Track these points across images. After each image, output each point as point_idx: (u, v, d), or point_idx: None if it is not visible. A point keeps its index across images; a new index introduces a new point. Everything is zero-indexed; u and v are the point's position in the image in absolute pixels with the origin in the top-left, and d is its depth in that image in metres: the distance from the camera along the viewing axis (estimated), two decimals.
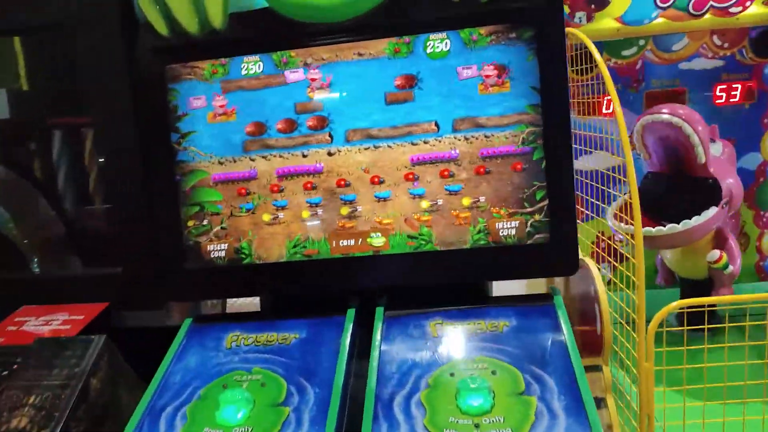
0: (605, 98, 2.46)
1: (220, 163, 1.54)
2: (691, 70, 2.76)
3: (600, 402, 1.47)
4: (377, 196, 1.49)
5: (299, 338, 1.47)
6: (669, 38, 2.56)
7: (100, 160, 1.96)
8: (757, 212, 2.98)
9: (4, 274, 2.00)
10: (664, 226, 1.99)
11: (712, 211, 2.06)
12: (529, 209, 1.45)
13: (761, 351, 1.62)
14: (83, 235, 1.98)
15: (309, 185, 1.51)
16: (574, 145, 1.48)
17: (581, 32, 1.79)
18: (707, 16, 2.31)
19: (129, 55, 1.56)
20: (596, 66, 2.32)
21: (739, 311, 1.68)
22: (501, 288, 1.64)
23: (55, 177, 2.02)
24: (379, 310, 1.49)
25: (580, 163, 2.17)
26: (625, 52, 2.54)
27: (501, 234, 1.47)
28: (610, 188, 2.13)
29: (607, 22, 2.33)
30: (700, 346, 1.53)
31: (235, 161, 1.53)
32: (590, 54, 2.22)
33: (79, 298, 1.79)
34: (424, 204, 1.48)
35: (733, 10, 2.30)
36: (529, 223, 1.45)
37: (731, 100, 2.77)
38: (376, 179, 1.48)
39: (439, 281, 1.51)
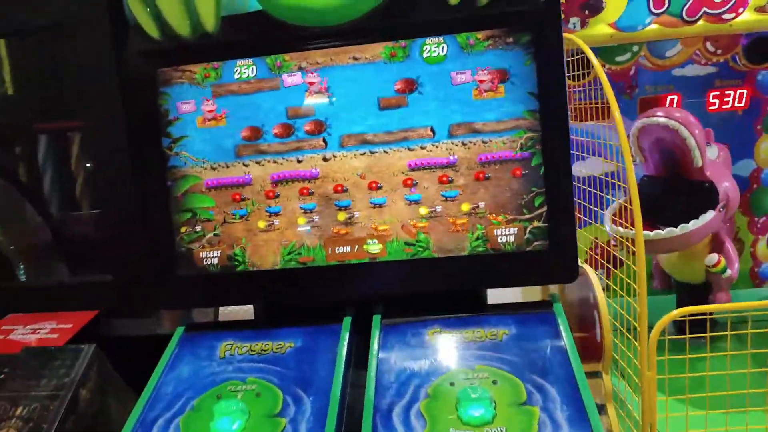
0: (599, 104, 2.47)
1: (213, 169, 1.51)
2: (684, 77, 2.78)
3: (600, 409, 1.46)
4: (374, 202, 1.48)
5: (294, 347, 1.44)
6: (663, 44, 2.58)
7: (89, 164, 1.93)
8: (751, 218, 3.00)
9: None
10: (662, 229, 1.98)
11: (710, 214, 2.07)
12: (527, 216, 1.44)
13: (761, 359, 1.62)
14: (71, 242, 1.95)
15: (305, 191, 1.49)
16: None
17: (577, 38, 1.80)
18: (700, 22, 2.32)
19: (119, 58, 1.53)
20: (591, 72, 2.33)
21: (734, 318, 1.67)
22: (495, 294, 1.62)
23: (42, 182, 1.99)
24: (376, 318, 1.47)
25: (575, 169, 2.17)
26: (619, 58, 2.56)
27: (499, 241, 1.45)
28: (605, 193, 2.14)
29: (601, 28, 2.34)
30: (702, 354, 1.52)
31: (228, 167, 1.51)
32: (585, 60, 2.23)
33: (67, 305, 1.75)
34: (422, 210, 1.47)
35: (726, 16, 2.32)
36: (527, 230, 1.44)
37: (724, 106, 2.79)
38: (374, 185, 1.46)
39: (437, 289, 1.49)
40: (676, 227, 2.00)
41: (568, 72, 2.11)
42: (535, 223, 1.44)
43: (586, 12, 2.27)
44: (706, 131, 2.15)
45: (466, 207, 1.45)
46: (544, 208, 1.43)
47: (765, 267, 3.03)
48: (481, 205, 1.44)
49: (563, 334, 1.37)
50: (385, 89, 1.45)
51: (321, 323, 1.49)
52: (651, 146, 2.17)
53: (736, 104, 2.77)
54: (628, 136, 2.18)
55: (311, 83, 1.47)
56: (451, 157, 1.44)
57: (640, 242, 1.49)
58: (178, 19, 1.43)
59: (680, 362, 1.57)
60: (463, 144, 1.44)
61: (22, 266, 2.01)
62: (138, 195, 1.54)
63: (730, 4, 2.28)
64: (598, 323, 1.55)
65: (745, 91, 2.74)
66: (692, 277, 2.37)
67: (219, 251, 1.52)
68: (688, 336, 1.53)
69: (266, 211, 1.50)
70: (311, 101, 1.47)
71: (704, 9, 2.31)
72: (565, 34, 1.45)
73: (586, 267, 1.69)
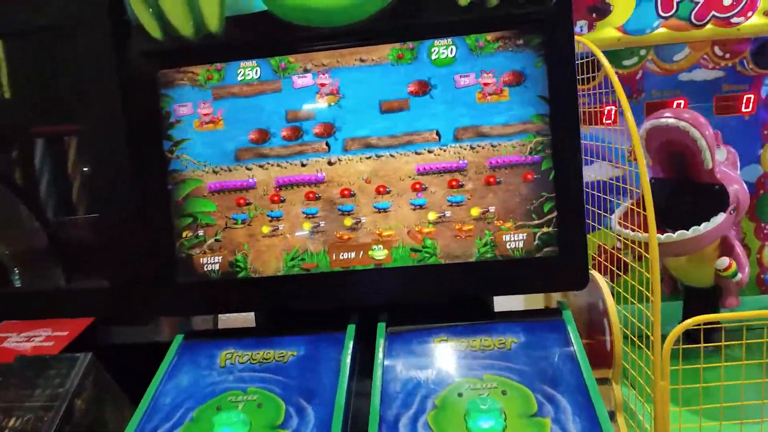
0: (606, 108, 2.46)
1: (215, 172, 1.49)
2: (692, 81, 2.77)
3: (610, 416, 1.43)
4: (378, 206, 1.45)
5: (297, 356, 1.42)
6: (671, 48, 2.57)
7: (87, 167, 1.90)
8: (758, 224, 2.99)
9: None
10: (673, 233, 1.96)
11: (721, 217, 2.05)
12: (536, 221, 1.42)
13: None
14: (68, 246, 1.92)
15: (312, 195, 1.47)
16: None
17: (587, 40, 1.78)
18: (709, 26, 2.32)
19: (119, 59, 1.51)
20: (597, 75, 2.32)
21: (738, 326, 1.65)
22: (498, 301, 1.60)
23: (39, 185, 1.96)
24: (381, 326, 1.45)
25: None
26: (626, 62, 2.55)
27: (508, 247, 1.43)
28: (610, 197, 2.12)
29: (608, 32, 2.33)
30: (717, 364, 1.50)
31: (230, 170, 1.49)
32: (592, 63, 2.22)
33: (63, 312, 1.72)
34: (431, 215, 1.44)
35: (734, 20, 2.31)
36: (537, 236, 1.42)
37: (731, 111, 2.78)
38: (383, 189, 1.44)
39: (444, 296, 1.48)
40: (684, 230, 1.97)
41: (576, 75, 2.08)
42: (545, 229, 1.42)
43: (594, 15, 2.27)
44: (714, 133, 2.14)
45: (476, 212, 1.43)
46: (554, 214, 1.41)
47: None
48: (492, 209, 1.42)
49: (573, 342, 1.35)
50: (393, 92, 1.44)
51: (324, 331, 1.47)
52: (659, 148, 2.15)
53: (742, 109, 2.76)
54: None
55: (322, 84, 1.45)
56: (461, 161, 1.42)
57: (654, 248, 1.47)
58: (181, 19, 1.42)
59: (687, 371, 1.54)
60: (472, 148, 1.42)
61: (17, 271, 1.98)
62: (137, 199, 1.52)
63: (739, 8, 2.27)
64: (608, 331, 1.53)
65: (752, 96, 2.73)
66: (701, 281, 2.35)
67: (220, 257, 1.50)
68: (702, 345, 1.50)
69: (269, 215, 1.48)
70: (321, 103, 1.45)
71: (713, 13, 2.30)
72: (576, 36, 1.43)
73: (595, 273, 1.67)
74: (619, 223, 2.03)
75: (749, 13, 2.30)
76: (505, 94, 1.40)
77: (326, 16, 1.39)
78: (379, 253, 1.47)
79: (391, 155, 1.45)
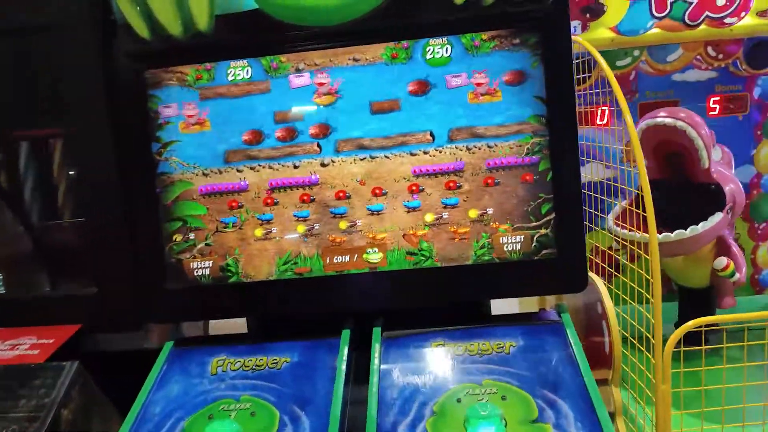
0: (600, 108, 2.46)
1: (205, 175, 1.47)
2: (685, 82, 2.78)
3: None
4: (374, 209, 1.43)
5: (291, 362, 1.39)
6: (664, 49, 2.58)
7: (73, 170, 1.86)
8: (752, 225, 3.00)
9: None
10: (671, 233, 1.96)
11: (718, 216, 2.05)
12: (534, 223, 1.40)
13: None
14: (54, 252, 1.87)
15: (306, 198, 1.44)
16: None
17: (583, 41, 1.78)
18: (702, 26, 2.33)
19: (106, 59, 1.48)
20: (590, 76, 2.32)
21: (738, 328, 1.64)
22: (492, 303, 1.59)
23: (23, 190, 1.92)
24: (376, 331, 1.43)
25: None
26: (620, 63, 2.55)
27: (505, 249, 1.42)
28: (605, 198, 2.12)
29: (601, 32, 2.33)
30: (719, 366, 1.49)
31: (221, 172, 1.46)
32: (586, 63, 2.21)
33: (48, 320, 1.68)
34: (428, 217, 1.43)
35: (728, 20, 2.32)
36: (534, 238, 1.41)
37: (724, 112, 2.79)
38: (379, 191, 1.42)
39: (441, 300, 1.46)
40: (681, 230, 1.97)
41: None
42: (543, 231, 1.40)
43: (587, 15, 2.27)
44: (710, 132, 2.14)
45: (473, 213, 1.41)
46: (552, 215, 1.40)
47: (765, 274, 3.03)
48: (489, 211, 1.41)
49: (573, 345, 1.33)
50: (387, 92, 1.42)
51: (318, 337, 1.44)
52: (655, 148, 2.15)
53: (736, 109, 2.78)
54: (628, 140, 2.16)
55: (320, 84, 1.42)
56: (458, 162, 1.40)
57: (655, 249, 1.47)
58: (169, 17, 1.39)
59: (685, 373, 1.53)
60: (468, 149, 1.41)
61: (0, 277, 1.93)
62: (125, 202, 1.49)
63: (732, 8, 2.28)
64: (606, 333, 1.51)
65: (745, 96, 2.75)
66: (697, 281, 2.35)
67: (211, 261, 1.47)
68: (703, 347, 1.49)
69: (261, 218, 1.45)
70: (317, 104, 1.43)
71: (707, 13, 2.31)
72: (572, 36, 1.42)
73: (591, 274, 1.66)
74: (616, 224, 2.02)
75: (742, 14, 2.31)
76: (499, 95, 1.39)
77: (319, 14, 1.37)
78: (374, 257, 1.44)
79: (386, 156, 1.43)
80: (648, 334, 1.51)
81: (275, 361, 1.40)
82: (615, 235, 1.94)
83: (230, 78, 1.45)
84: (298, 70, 1.43)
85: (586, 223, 2.16)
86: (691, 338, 1.62)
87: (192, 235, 1.47)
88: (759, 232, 3.01)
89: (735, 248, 2.29)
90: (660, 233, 1.86)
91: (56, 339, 1.59)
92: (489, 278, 1.42)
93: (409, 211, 1.43)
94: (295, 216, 1.45)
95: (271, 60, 1.44)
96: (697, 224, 1.98)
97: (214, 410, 1.28)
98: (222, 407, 1.29)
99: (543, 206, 1.40)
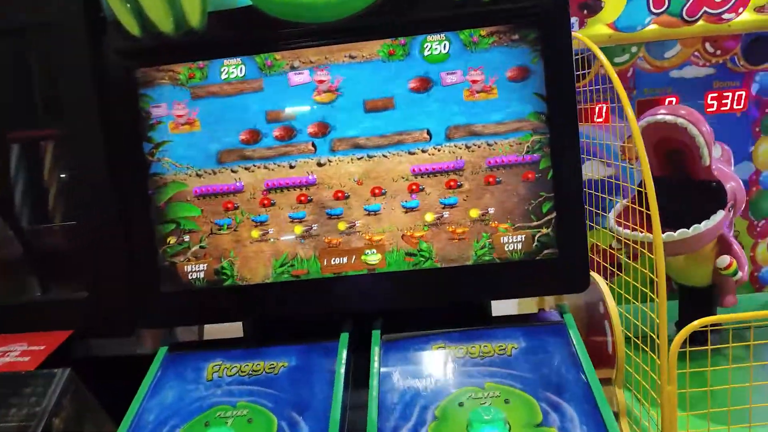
0: (598, 105, 2.44)
1: (198, 176, 1.44)
2: (682, 78, 2.77)
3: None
4: (372, 209, 1.41)
5: (288, 367, 1.37)
6: (662, 45, 2.56)
7: (64, 172, 1.83)
8: (751, 222, 2.99)
9: None
10: (673, 232, 1.94)
11: (720, 215, 2.03)
12: (535, 222, 1.39)
13: None
14: (45, 256, 1.84)
15: (304, 198, 1.42)
16: None
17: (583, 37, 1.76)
18: (700, 22, 2.31)
19: (96, 58, 1.46)
20: (589, 73, 2.30)
21: (737, 327, 1.62)
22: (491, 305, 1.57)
23: (13, 193, 1.88)
24: (376, 334, 1.41)
25: None
26: (618, 59, 2.54)
27: (506, 249, 1.40)
28: (604, 195, 2.10)
29: (599, 28, 2.31)
30: (724, 366, 1.47)
31: (215, 173, 1.44)
32: (584, 60, 2.20)
33: (39, 325, 1.65)
34: (425, 217, 1.40)
35: (726, 16, 2.31)
36: (536, 238, 1.39)
37: (722, 108, 2.79)
38: (378, 191, 1.40)
39: (441, 301, 1.44)
40: (684, 229, 1.96)
41: None
42: (544, 230, 1.38)
43: (585, 12, 2.25)
44: (710, 130, 2.13)
45: (474, 213, 1.39)
46: (553, 214, 1.38)
47: (765, 271, 3.01)
48: (491, 211, 1.39)
49: (576, 346, 1.32)
50: (383, 90, 1.39)
51: (316, 340, 1.43)
52: (654, 146, 2.14)
53: (734, 106, 2.77)
54: (628, 137, 2.15)
55: (320, 81, 1.40)
56: (459, 161, 1.38)
57: (660, 248, 1.45)
58: (160, 14, 1.36)
59: (686, 373, 1.51)
60: (467, 147, 1.39)
61: None
62: (117, 204, 1.47)
63: (730, 4, 2.27)
64: (609, 333, 1.50)
65: (743, 93, 2.74)
66: (698, 280, 2.34)
67: (205, 264, 1.45)
68: (709, 347, 1.48)
69: (256, 220, 1.43)
70: (317, 101, 1.41)
71: (705, 8, 2.30)
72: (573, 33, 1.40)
73: (593, 274, 1.64)
74: (617, 222, 2.00)
75: (740, 9, 2.30)
76: (495, 92, 1.37)
77: (314, 11, 1.34)
78: (373, 258, 1.42)
79: (384, 156, 1.41)
80: (652, 334, 1.49)
81: (272, 365, 1.38)
82: (617, 235, 1.92)
83: (224, 76, 1.43)
84: (293, 68, 1.41)
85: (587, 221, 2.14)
86: (693, 338, 1.60)
87: (186, 238, 1.44)
88: (758, 229, 2.99)
89: (736, 246, 2.28)
90: (664, 232, 1.84)
91: (47, 345, 1.57)
92: (490, 279, 1.40)
93: (407, 212, 1.41)
94: (293, 218, 1.42)
95: (265, 58, 1.42)
96: (699, 223, 1.97)
97: (210, 417, 1.26)
98: (218, 414, 1.26)
99: (544, 205, 1.38)
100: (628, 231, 1.83)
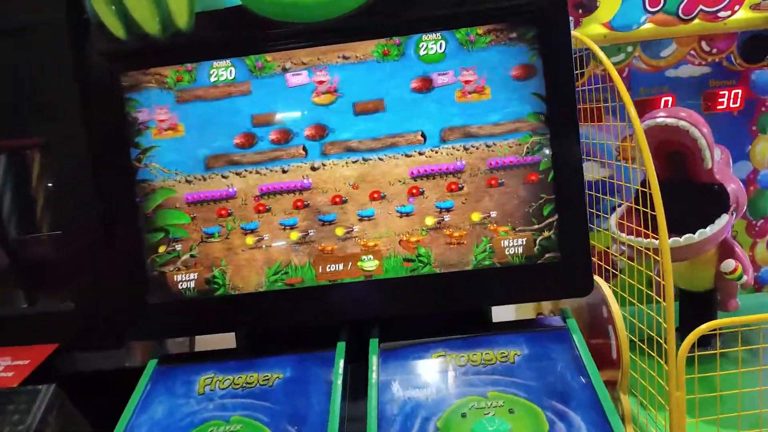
0: (595, 105, 2.43)
1: (188, 182, 1.40)
2: (678, 78, 2.77)
3: None
4: (368, 214, 1.38)
5: (283, 378, 1.34)
6: (657, 44, 2.56)
7: (48, 180, 1.79)
8: (749, 222, 2.99)
9: None
10: (679, 237, 1.93)
11: (725, 218, 2.02)
12: (536, 225, 1.36)
13: None
14: (29, 267, 1.80)
15: (300, 204, 1.39)
16: None
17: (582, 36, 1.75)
18: (696, 21, 2.31)
19: (80, 61, 1.43)
20: (585, 72, 2.28)
21: (737, 330, 1.60)
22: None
23: None
24: (373, 343, 1.38)
25: None
26: (613, 59, 2.52)
27: (507, 253, 1.37)
28: (602, 195, 2.08)
29: (594, 28, 2.30)
30: (734, 371, 1.45)
31: (205, 179, 1.40)
32: (580, 60, 2.18)
33: (23, 339, 1.61)
34: (424, 221, 1.38)
35: (722, 14, 2.31)
36: (537, 241, 1.36)
37: (719, 107, 2.79)
38: (377, 195, 1.37)
39: (440, 307, 1.41)
40: (690, 234, 1.94)
41: None
42: (545, 234, 1.36)
43: (580, 11, 2.24)
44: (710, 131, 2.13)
45: (476, 217, 1.37)
46: (555, 217, 1.36)
47: (765, 271, 3.02)
48: (493, 214, 1.36)
49: (581, 352, 1.30)
50: (379, 91, 1.37)
51: (312, 350, 1.40)
52: (654, 149, 2.12)
53: (730, 105, 2.77)
54: (627, 137, 2.13)
55: (320, 82, 1.37)
56: (458, 163, 1.36)
57: (666, 251, 1.43)
58: (146, 15, 1.33)
59: (692, 378, 1.49)
60: (465, 149, 1.36)
61: None
62: (103, 213, 1.44)
63: (726, 2, 2.27)
64: (613, 337, 1.47)
65: (739, 92, 2.74)
66: (700, 284, 2.32)
67: (196, 274, 1.41)
68: (718, 351, 1.46)
69: (247, 228, 1.39)
70: (316, 103, 1.38)
71: (701, 7, 2.30)
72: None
73: (595, 276, 1.61)
74: (620, 227, 1.98)
75: (736, 7, 2.30)
76: (488, 92, 1.34)
77: (305, 10, 1.32)
78: (369, 264, 1.39)
79: (380, 158, 1.38)
80: (659, 339, 1.46)
81: (266, 377, 1.35)
82: (620, 241, 1.90)
83: (213, 79, 1.40)
84: (285, 69, 1.38)
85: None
86: (700, 342, 1.58)
87: (179, 246, 1.41)
88: (756, 229, 2.99)
89: (739, 249, 2.27)
90: (670, 238, 1.83)
91: (32, 360, 1.53)
92: (490, 284, 1.38)
93: (405, 216, 1.38)
94: (284, 225, 1.39)
95: (256, 59, 1.39)
96: (705, 227, 1.96)
97: None
98: (211, 429, 1.23)
99: (545, 207, 1.36)
100: (632, 237, 1.81)
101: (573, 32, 1.59)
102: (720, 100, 2.72)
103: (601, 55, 1.59)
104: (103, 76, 1.41)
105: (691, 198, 2.02)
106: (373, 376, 1.29)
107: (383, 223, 1.39)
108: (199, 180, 1.40)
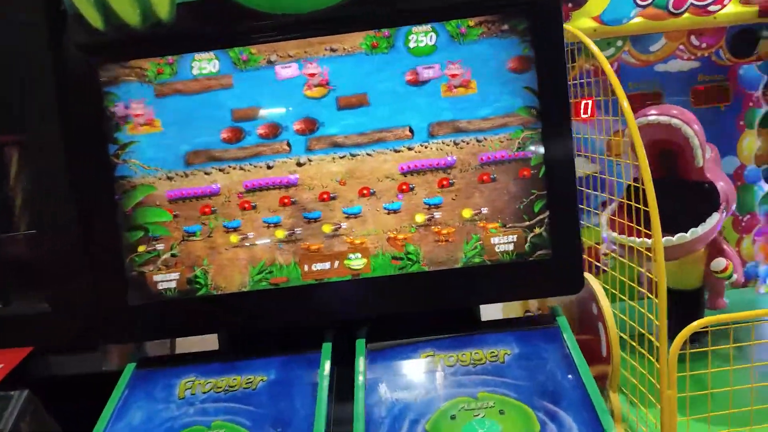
0: (583, 101, 2.43)
1: (169, 178, 1.37)
2: (667, 72, 2.79)
3: None
4: (354, 212, 1.36)
5: (267, 381, 1.33)
6: (647, 39, 2.57)
7: (22, 177, 1.75)
8: (735, 217, 3.03)
9: None
10: (672, 236, 1.94)
11: (716, 217, 2.05)
12: (527, 222, 1.35)
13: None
14: (2, 268, 1.76)
15: (287, 201, 1.37)
16: None
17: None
18: (686, 15, 2.32)
19: (57, 54, 1.40)
20: (574, 66, 2.29)
21: (725, 327, 1.61)
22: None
23: None
24: (360, 343, 1.37)
25: None
26: (603, 54, 2.52)
27: (497, 250, 1.36)
28: (591, 192, 2.09)
29: (584, 22, 2.30)
30: (725, 368, 1.46)
31: (186, 175, 1.37)
32: (571, 54, 2.18)
33: None
34: (413, 218, 1.36)
35: (711, 8, 2.33)
36: (528, 238, 1.35)
37: (708, 102, 2.81)
38: (367, 191, 1.35)
39: (429, 306, 1.40)
40: (683, 233, 1.96)
41: None
42: (536, 230, 1.35)
43: (570, 5, 2.24)
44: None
45: (468, 213, 1.36)
46: (546, 213, 1.35)
47: (750, 266, 3.06)
48: (485, 210, 1.35)
49: (571, 350, 1.29)
50: (365, 84, 1.34)
51: (297, 351, 1.38)
52: (646, 148, 2.13)
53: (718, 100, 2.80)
54: (618, 131, 2.14)
55: (311, 75, 1.35)
56: (449, 158, 1.34)
57: (660, 248, 1.43)
58: (125, 5, 1.30)
59: (681, 375, 1.49)
60: (455, 144, 1.35)
61: None
62: (80, 211, 1.41)
63: None
64: (603, 336, 1.47)
65: (728, 86, 2.77)
66: (689, 283, 2.35)
67: (177, 273, 1.39)
68: (710, 348, 1.47)
69: (227, 226, 1.37)
70: (308, 96, 1.36)
71: (690, 1, 2.31)
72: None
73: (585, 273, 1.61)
74: (611, 226, 1.99)
75: (726, 1, 2.31)
76: (473, 86, 1.33)
77: (292, 1, 1.29)
78: (357, 262, 1.37)
79: (368, 154, 1.36)
80: (651, 337, 1.47)
81: (250, 380, 1.33)
82: (612, 241, 1.91)
83: (195, 72, 1.37)
84: (270, 62, 1.35)
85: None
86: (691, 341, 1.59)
87: (161, 245, 1.38)
88: (743, 224, 3.03)
89: (728, 247, 2.30)
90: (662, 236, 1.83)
91: (4, 364, 1.49)
92: (480, 282, 1.37)
93: (392, 213, 1.37)
94: (269, 222, 1.37)
95: (240, 52, 1.36)
96: (696, 226, 1.98)
97: None
98: None
99: (536, 204, 1.35)
100: (624, 235, 1.82)
101: (566, 26, 1.59)
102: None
103: (594, 48, 1.59)
104: (81, 69, 1.37)
105: (682, 196, 2.04)
106: (360, 378, 1.27)
107: (371, 220, 1.37)
108: (181, 176, 1.37)
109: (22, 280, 1.72)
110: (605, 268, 1.90)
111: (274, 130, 1.36)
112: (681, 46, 2.62)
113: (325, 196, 1.36)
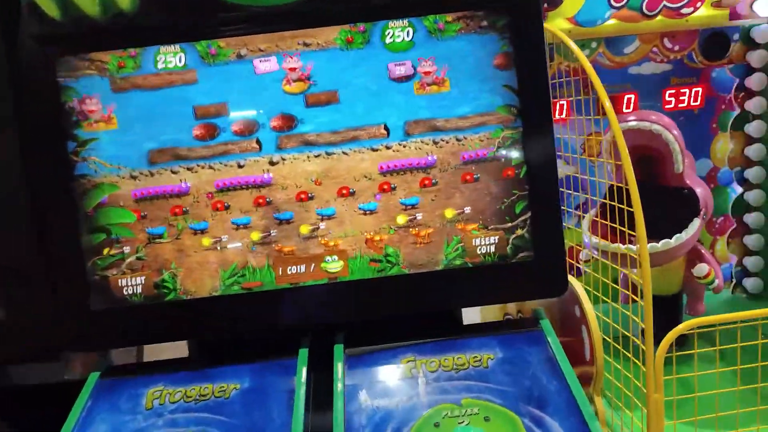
0: (558, 102, 2.44)
1: (133, 177, 1.31)
2: (640, 75, 2.82)
3: None
4: (328, 213, 1.32)
5: (241, 389, 1.29)
6: (621, 41, 2.60)
7: None
8: (709, 219, 3.07)
9: None
10: (657, 242, 1.95)
11: (697, 223, 2.07)
12: (509, 224, 1.33)
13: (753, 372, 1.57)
14: None
15: (262, 201, 1.32)
16: None
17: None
18: (659, 17, 2.35)
19: (10, 45, 1.32)
20: (551, 65, 2.29)
21: (712, 330, 1.62)
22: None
23: None
24: (338, 348, 1.33)
25: None
26: None
27: (479, 252, 1.34)
28: (570, 192, 2.09)
29: (559, 23, 2.31)
30: (712, 371, 1.46)
31: (152, 174, 1.31)
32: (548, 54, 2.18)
33: None
34: (391, 220, 1.33)
35: (684, 11, 2.36)
36: (510, 239, 1.33)
37: (680, 105, 2.85)
38: (346, 191, 1.31)
39: (409, 310, 1.37)
40: (667, 239, 1.97)
41: None
42: (518, 232, 1.33)
43: (545, 5, 2.25)
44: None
45: (450, 213, 1.33)
46: (528, 215, 1.33)
47: (724, 268, 3.11)
48: (467, 210, 1.33)
49: (556, 354, 1.28)
50: (339, 80, 1.31)
51: (271, 358, 1.34)
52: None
53: (691, 103, 2.85)
54: (589, 133, 2.14)
55: (292, 69, 1.30)
56: (429, 158, 1.31)
57: (645, 251, 1.43)
58: None
59: (667, 379, 1.49)
60: (435, 143, 1.32)
61: None
62: (37, 212, 1.33)
63: None
64: (586, 339, 1.46)
65: (700, 89, 2.82)
66: (668, 288, 2.36)
67: (143, 277, 1.33)
68: (696, 351, 1.46)
69: (195, 228, 1.31)
70: (287, 91, 1.32)
71: (664, 3, 2.34)
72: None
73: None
74: (592, 226, 1.98)
75: (698, 4, 2.35)
76: (447, 85, 1.31)
77: None
78: (334, 265, 1.33)
79: (344, 153, 1.32)
80: (636, 340, 1.46)
81: (222, 388, 1.28)
82: (593, 247, 1.90)
83: (160, 66, 1.31)
84: (240, 56, 1.31)
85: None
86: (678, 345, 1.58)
87: (123, 248, 1.31)
88: (716, 226, 3.08)
89: (706, 253, 2.32)
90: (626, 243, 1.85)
91: None
92: (461, 285, 1.35)
93: (369, 214, 1.33)
94: (235, 223, 1.32)
95: (208, 45, 1.30)
96: (678, 232, 2.00)
97: None
98: None
99: (517, 204, 1.33)
100: (606, 242, 1.81)
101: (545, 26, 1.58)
102: (681, 98, 2.79)
103: (574, 47, 1.58)
104: (37, 61, 1.30)
105: (663, 203, 2.04)
106: (339, 385, 1.24)
107: (348, 221, 1.33)
108: (146, 175, 1.31)
109: None
110: (587, 269, 1.90)
111: (250, 127, 1.31)
112: (654, 49, 2.65)
113: (302, 196, 1.32)
